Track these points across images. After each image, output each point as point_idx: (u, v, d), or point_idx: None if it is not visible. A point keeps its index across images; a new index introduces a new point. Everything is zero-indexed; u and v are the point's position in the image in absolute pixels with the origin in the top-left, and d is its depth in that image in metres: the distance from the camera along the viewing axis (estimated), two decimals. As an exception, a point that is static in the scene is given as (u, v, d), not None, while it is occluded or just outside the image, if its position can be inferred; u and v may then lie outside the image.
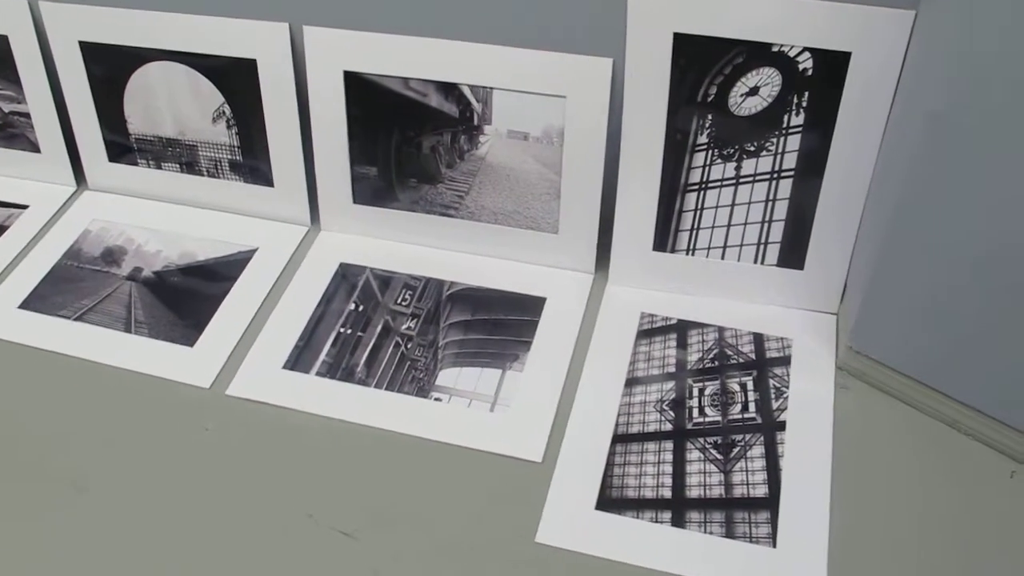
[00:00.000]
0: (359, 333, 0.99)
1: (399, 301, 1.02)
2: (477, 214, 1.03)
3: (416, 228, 1.06)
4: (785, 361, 0.94)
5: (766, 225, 0.95)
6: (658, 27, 0.87)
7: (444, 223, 1.05)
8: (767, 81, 0.87)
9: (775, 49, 0.86)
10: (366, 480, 0.86)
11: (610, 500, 0.84)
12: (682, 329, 0.98)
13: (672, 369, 0.94)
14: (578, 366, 0.95)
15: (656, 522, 0.82)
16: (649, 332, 0.98)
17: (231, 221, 1.13)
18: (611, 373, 0.94)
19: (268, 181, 1.10)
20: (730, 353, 0.95)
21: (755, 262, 0.97)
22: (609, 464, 0.87)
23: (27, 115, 1.17)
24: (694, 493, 0.84)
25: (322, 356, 0.97)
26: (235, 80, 1.04)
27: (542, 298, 1.01)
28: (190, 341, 1.00)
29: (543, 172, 0.98)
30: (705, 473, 0.86)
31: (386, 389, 0.94)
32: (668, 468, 0.86)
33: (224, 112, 1.07)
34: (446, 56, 0.95)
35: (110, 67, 1.10)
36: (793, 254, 0.96)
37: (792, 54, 0.85)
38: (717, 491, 0.84)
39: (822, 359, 0.95)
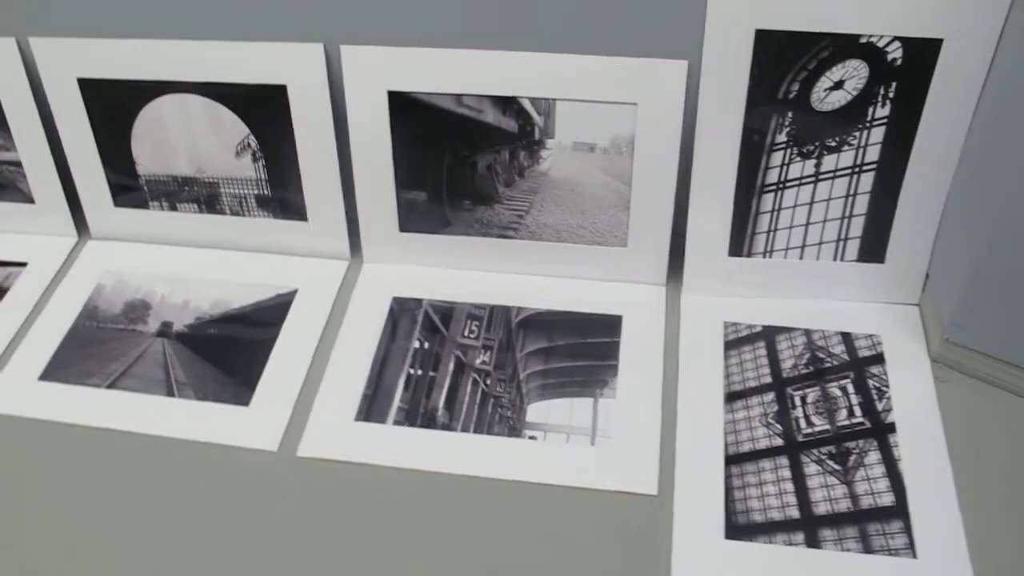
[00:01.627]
0: (431, 373, 0.92)
1: (467, 334, 0.96)
2: (538, 233, 0.97)
3: (472, 253, 0.99)
4: (879, 359, 0.91)
5: (846, 221, 0.92)
6: (739, 24, 0.82)
7: (503, 245, 0.98)
8: (853, 74, 0.84)
9: (863, 40, 0.82)
10: (469, 534, 0.80)
11: (738, 527, 0.80)
12: (769, 336, 0.94)
13: (768, 379, 0.90)
14: (671, 385, 0.90)
15: (790, 544, 0.78)
16: (736, 342, 0.93)
17: (263, 261, 1.04)
18: (708, 390, 0.89)
19: (301, 215, 1.01)
20: (822, 356, 0.92)
21: (834, 259, 0.94)
22: (728, 489, 0.82)
23: (18, 163, 1.06)
24: (821, 509, 0.81)
25: (396, 403, 0.90)
26: (262, 109, 0.96)
27: (618, 316, 0.96)
28: (244, 400, 0.91)
29: (611, 184, 0.93)
30: (827, 487, 0.82)
31: (474, 432, 0.87)
32: (789, 486, 0.82)
33: (249, 144, 0.99)
34: (503, 68, 0.88)
35: (114, 105, 1.00)
36: (874, 248, 0.93)
37: (881, 44, 0.82)
38: (844, 504, 0.81)
39: (915, 353, 0.92)
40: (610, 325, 0.95)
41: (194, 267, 1.05)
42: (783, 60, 0.84)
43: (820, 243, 0.93)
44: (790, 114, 0.87)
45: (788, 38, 0.82)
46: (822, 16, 0.81)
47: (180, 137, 1.00)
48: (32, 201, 1.08)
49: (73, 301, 1.03)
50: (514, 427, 0.87)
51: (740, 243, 0.94)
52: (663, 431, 0.86)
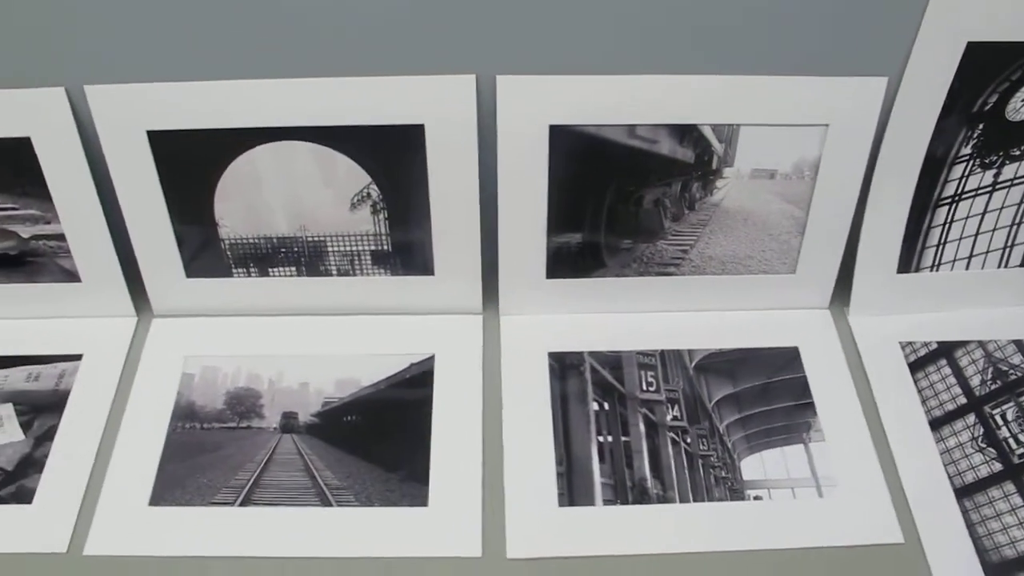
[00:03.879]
0: (623, 438, 0.83)
1: (644, 387, 0.86)
2: (702, 267, 0.89)
3: (628, 294, 0.90)
4: (1057, 364, 0.90)
5: (1014, 228, 0.90)
6: (951, 36, 0.76)
7: (662, 284, 0.89)
8: (1052, 81, 0.80)
9: (1069, 47, 0.78)
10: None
11: (996, 566, 0.76)
12: (947, 352, 0.90)
13: (963, 399, 0.87)
14: (873, 418, 0.85)
15: (1052, 579, 0.76)
16: (919, 363, 0.89)
17: (384, 326, 0.90)
18: (910, 419, 0.85)
19: (427, 269, 0.88)
20: (1004, 368, 0.90)
21: (999, 267, 0.92)
22: (969, 525, 0.78)
23: (57, 236, 0.86)
24: (1066, 532, 0.78)
25: (597, 479, 0.80)
26: (390, 153, 0.82)
27: (794, 348, 0.89)
28: (419, 499, 0.78)
29: (787, 210, 0.86)
30: (1065, 510, 0.80)
31: (695, 501, 0.79)
32: (1026, 514, 0.80)
33: (369, 194, 0.84)
34: (685, 94, 0.79)
35: (194, 159, 0.82)
36: (1039, 251, 0.91)
37: (1085, 49, 0.79)
38: (1085, 522, 0.79)
39: (1088, 353, 0.91)
40: (788, 358, 0.89)
41: (298, 341, 0.90)
42: (988, 72, 0.79)
43: (987, 252, 0.91)
44: (981, 126, 0.83)
45: (998, 49, 0.78)
46: (1037, 25, 0.77)
47: (279, 192, 0.84)
48: (78, 279, 0.89)
49: (159, 399, 0.86)
50: (735, 488, 0.80)
51: (910, 259, 0.90)
52: (884, 470, 0.81)
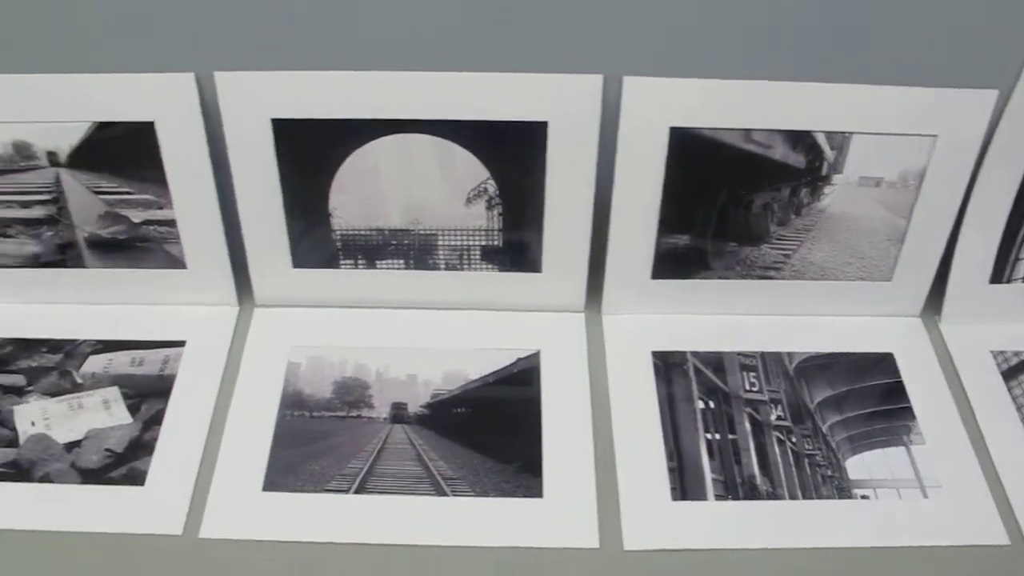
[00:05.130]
0: (729, 436, 0.84)
1: (747, 387, 0.88)
2: (802, 272, 0.91)
3: (730, 297, 0.91)
4: None
5: (1102, 237, 0.92)
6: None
7: (762, 287, 0.91)
8: None
9: None
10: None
11: (1100, 570, 0.78)
12: (1038, 362, 0.93)
13: (1057, 407, 0.89)
14: (970, 423, 0.87)
15: None
16: (1011, 372, 0.91)
17: (490, 320, 0.91)
18: (1007, 424, 0.86)
19: (533, 266, 0.89)
20: (1092, 379, 0.92)
21: (1083, 276, 0.94)
22: (1071, 529, 0.80)
23: (168, 223, 0.87)
24: None
25: (708, 474, 0.81)
26: (510, 149, 0.83)
27: (888, 353, 0.91)
28: (535, 491, 0.79)
29: (888, 218, 0.88)
30: None
31: (803, 499, 0.80)
32: None
33: (486, 189, 0.85)
34: (803, 100, 0.81)
35: (317, 148, 0.83)
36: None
37: None
38: None
39: None
40: (884, 363, 0.90)
41: (404, 333, 0.90)
42: (1095, 87, 0.82)
43: (1078, 264, 0.93)
44: (1082, 140, 0.85)
45: (1107, 65, 0.80)
46: None
47: (396, 184, 0.85)
48: (183, 266, 0.89)
49: (267, 386, 0.86)
50: (842, 487, 0.81)
51: (1002, 269, 0.92)
52: (985, 474, 0.83)
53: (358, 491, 0.79)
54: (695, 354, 0.90)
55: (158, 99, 0.81)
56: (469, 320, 0.91)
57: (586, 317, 0.92)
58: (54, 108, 0.82)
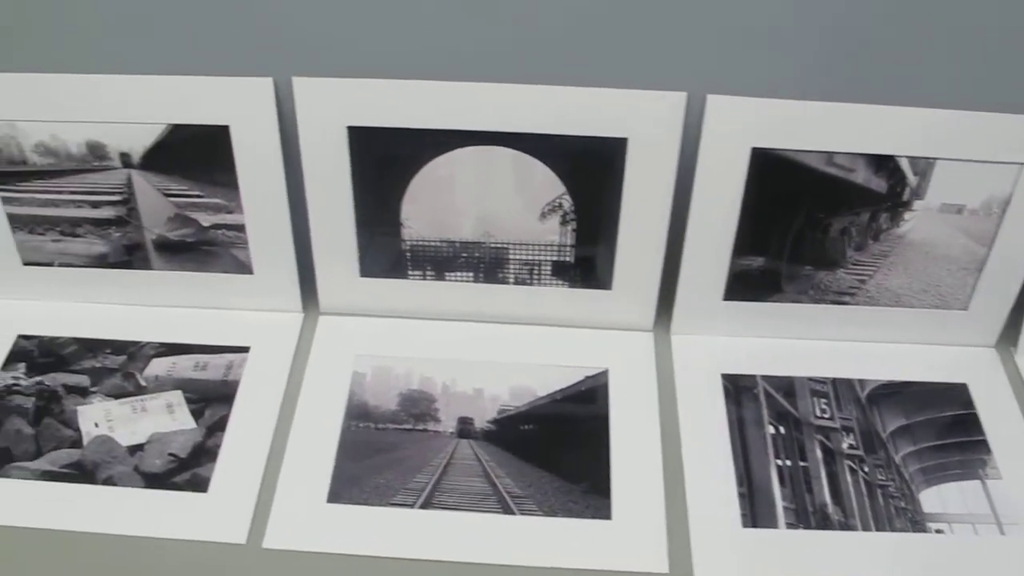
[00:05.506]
0: (800, 463, 0.83)
1: (818, 413, 0.86)
2: (877, 298, 0.89)
3: (800, 321, 0.90)
4: None
5: None
6: None
7: (835, 312, 0.89)
8: None
9: None
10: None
11: None
12: (1113, 398, 0.90)
13: None
14: (1048, 460, 0.85)
15: None
16: (1087, 407, 0.89)
17: (556, 337, 0.90)
18: (1085, 463, 0.85)
19: (604, 283, 0.88)
20: None
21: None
22: None
23: (236, 227, 0.86)
24: None
25: (779, 502, 0.79)
26: (588, 165, 0.82)
27: (962, 384, 0.89)
28: (603, 512, 0.78)
29: (968, 245, 0.86)
30: None
31: (876, 530, 0.78)
32: None
33: (561, 204, 0.84)
34: (888, 124, 0.79)
35: (392, 157, 0.83)
36: None
37: None
38: None
39: None
40: (958, 395, 0.89)
41: (470, 346, 0.89)
42: None
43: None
44: None
45: None
46: None
47: (471, 196, 0.84)
48: (249, 271, 0.89)
49: (332, 396, 0.85)
50: (915, 520, 0.79)
51: (1081, 302, 0.90)
52: (1064, 513, 0.81)
53: (424, 506, 0.78)
54: (765, 378, 0.88)
55: (235, 103, 0.80)
56: (536, 335, 0.90)
57: (654, 336, 0.91)
58: (131, 109, 0.82)
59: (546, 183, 0.83)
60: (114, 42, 0.80)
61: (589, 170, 0.82)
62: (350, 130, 0.81)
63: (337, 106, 0.80)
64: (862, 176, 0.82)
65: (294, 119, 0.81)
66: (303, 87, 0.79)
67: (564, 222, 0.85)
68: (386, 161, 0.83)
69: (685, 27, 0.78)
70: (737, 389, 0.87)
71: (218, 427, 0.83)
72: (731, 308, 0.89)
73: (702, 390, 0.87)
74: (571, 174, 0.83)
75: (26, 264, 0.91)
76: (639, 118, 0.79)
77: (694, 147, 0.81)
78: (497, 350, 0.89)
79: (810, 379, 0.89)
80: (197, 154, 0.83)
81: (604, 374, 0.87)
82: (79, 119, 0.82)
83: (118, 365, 0.88)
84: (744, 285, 0.88)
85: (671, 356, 0.89)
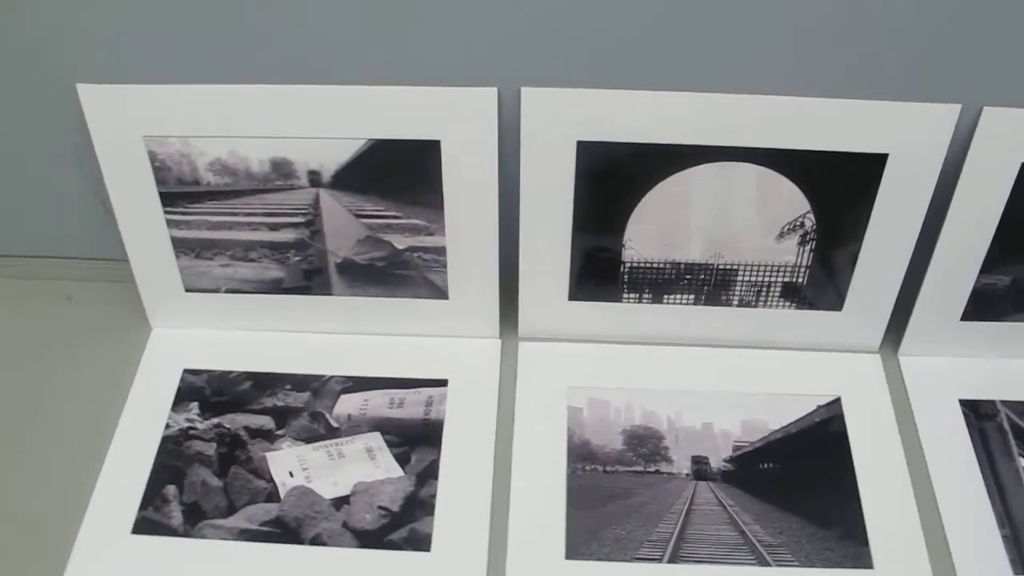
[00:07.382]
0: (1056, 500, 0.77)
1: (1067, 442, 0.81)
2: (1121, 314, 0.83)
3: (1028, 341, 0.84)
4: None
5: None
6: None
7: (1075, 329, 0.83)
8: None
9: None
10: None
11: None
12: None
13: None
14: None
15: None
16: None
17: (778, 362, 0.83)
18: None
19: (835, 305, 0.81)
20: None
21: None
22: None
23: (435, 250, 0.77)
24: None
25: (1046, 543, 0.74)
26: (839, 182, 0.74)
27: None
28: (863, 560, 0.72)
29: None
30: None
31: None
32: None
33: (803, 224, 0.76)
34: None
35: (623, 176, 0.74)
36: None
37: None
38: None
39: None
40: None
41: (690, 374, 0.82)
42: None
43: None
44: None
45: None
46: None
47: (706, 216, 0.76)
48: (444, 296, 0.80)
49: (549, 435, 0.78)
50: None
51: None
52: None
53: (672, 560, 0.72)
54: (1006, 403, 0.82)
55: (451, 115, 0.71)
56: (759, 361, 0.83)
57: (881, 358, 0.84)
58: (325, 123, 0.72)
59: (790, 201, 0.75)
60: (296, 49, 0.70)
61: (840, 187, 0.74)
62: (580, 144, 0.72)
63: (568, 119, 0.71)
64: None
65: (505, 132, 0.72)
66: (531, 98, 0.70)
67: (803, 242, 0.77)
68: (615, 178, 0.74)
69: (961, 38, 0.69)
70: (978, 416, 0.81)
71: (429, 474, 0.75)
72: (968, 328, 0.82)
73: (942, 418, 0.81)
74: (819, 192, 0.75)
75: (188, 291, 0.81)
76: (904, 133, 0.71)
77: (953, 161, 0.73)
78: (719, 378, 0.82)
79: (1043, 405, 0.83)
80: (399, 172, 0.74)
81: (837, 403, 0.81)
82: (263, 134, 0.72)
83: (302, 403, 0.80)
84: (985, 304, 0.81)
85: (902, 380, 0.83)
